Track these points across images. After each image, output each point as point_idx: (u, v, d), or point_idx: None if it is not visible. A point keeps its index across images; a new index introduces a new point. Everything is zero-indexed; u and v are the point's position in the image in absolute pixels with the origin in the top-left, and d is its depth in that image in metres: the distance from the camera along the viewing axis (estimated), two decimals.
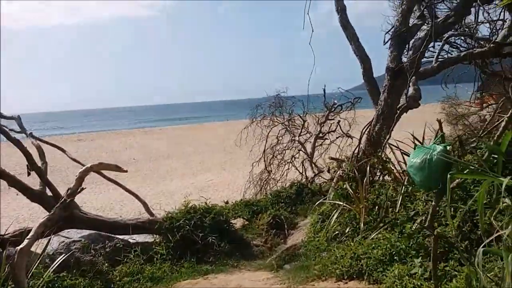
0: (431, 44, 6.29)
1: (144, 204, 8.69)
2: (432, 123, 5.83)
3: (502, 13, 7.91)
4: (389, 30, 6.42)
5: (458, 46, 10.64)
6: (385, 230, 4.72)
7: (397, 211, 4.77)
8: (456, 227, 3.61)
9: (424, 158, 3.12)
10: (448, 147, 3.19)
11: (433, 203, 3.30)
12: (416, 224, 4.19)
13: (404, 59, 6.32)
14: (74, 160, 8.34)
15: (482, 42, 10.08)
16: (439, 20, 5.65)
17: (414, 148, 3.52)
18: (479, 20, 9.04)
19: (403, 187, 4.92)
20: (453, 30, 6.69)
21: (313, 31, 5.75)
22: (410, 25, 6.01)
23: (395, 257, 4.10)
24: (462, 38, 10.49)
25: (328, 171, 8.95)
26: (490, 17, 9.33)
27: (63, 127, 79.90)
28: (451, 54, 8.20)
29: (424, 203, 4.43)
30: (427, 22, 6.39)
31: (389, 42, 6.14)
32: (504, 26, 7.51)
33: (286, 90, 13.90)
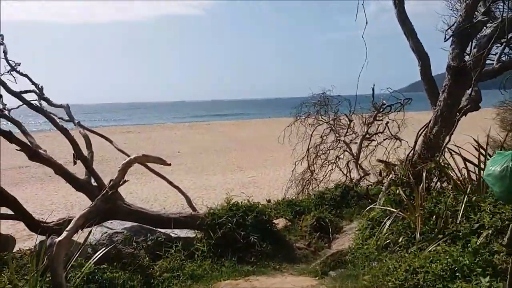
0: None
1: (187, 198, 8.64)
2: (484, 129, 5.35)
3: None
4: (451, 26, 5.96)
5: None
6: (445, 242, 4.31)
7: (458, 222, 4.36)
8: None
9: (506, 166, 2.74)
10: None
11: None
12: (482, 238, 3.79)
13: (466, 58, 5.88)
14: (120, 150, 8.38)
15: None
16: (509, 16, 5.13)
17: (491, 155, 3.12)
18: None
19: (465, 196, 4.51)
20: None
21: (367, 23, 5.40)
22: (474, 21, 5.51)
23: (457, 274, 3.70)
24: None
25: (380, 174, 8.51)
26: None
27: (112, 119, 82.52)
28: (510, 57, 7.60)
29: (491, 216, 4.00)
30: (491, 20, 5.88)
31: (451, 39, 5.67)
32: None
33: (332, 89, 13.50)
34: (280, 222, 7.54)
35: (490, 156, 5.21)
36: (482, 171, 4.74)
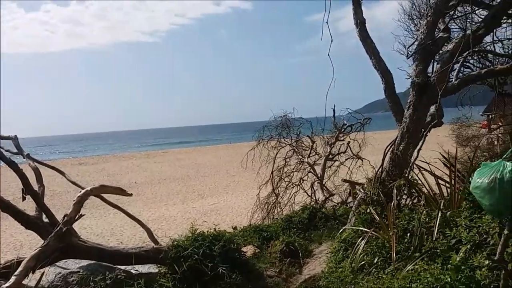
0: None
1: (148, 231, 8.14)
2: (442, 144, 5.36)
3: None
4: (412, 44, 6.03)
5: (471, 66, 10.32)
6: (422, 260, 4.17)
7: (434, 239, 4.24)
8: None
9: (494, 178, 2.63)
10: None
11: (505, 231, 2.78)
12: (461, 254, 3.66)
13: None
14: (74, 183, 7.83)
15: (497, 61, 9.77)
16: (468, 32, 5.24)
17: (477, 167, 3.02)
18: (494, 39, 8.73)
19: (439, 211, 4.41)
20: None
21: (332, 40, 5.37)
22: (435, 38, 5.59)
23: None
24: (476, 58, 10.16)
25: (350, 194, 8.41)
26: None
27: (62, 151, 79.55)
28: (464, 74, 7.82)
29: (468, 230, 3.90)
30: (451, 37, 6.01)
31: (414, 56, 5.72)
32: None
33: (294, 111, 13.52)
34: (249, 250, 7.23)
35: (460, 172, 5.22)
36: (453, 187, 4.70)
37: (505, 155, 2.83)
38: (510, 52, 8.46)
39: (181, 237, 6.31)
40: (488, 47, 8.32)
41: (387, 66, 6.10)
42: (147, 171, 35.27)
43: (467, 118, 17.81)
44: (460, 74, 7.60)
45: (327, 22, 5.25)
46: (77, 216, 4.85)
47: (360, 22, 6.09)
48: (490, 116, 20.73)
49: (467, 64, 9.76)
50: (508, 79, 9.55)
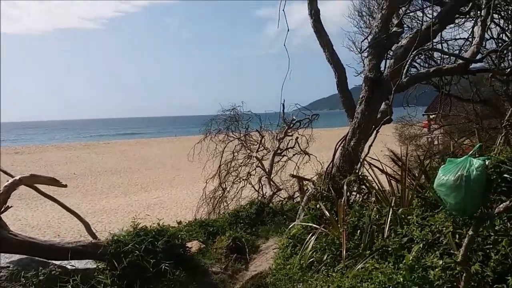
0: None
1: (85, 224, 7.62)
2: (385, 142, 5.36)
3: (473, 30, 7.80)
4: (365, 38, 5.97)
5: (417, 65, 10.58)
6: (373, 259, 4.09)
7: (385, 237, 4.17)
8: (496, 264, 3.01)
9: (460, 175, 2.51)
10: (487, 161, 2.59)
11: (469, 232, 2.69)
12: (414, 253, 3.59)
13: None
14: (4, 172, 7.18)
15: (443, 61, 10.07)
16: (422, 27, 5.24)
17: (443, 162, 2.90)
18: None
19: (391, 208, 4.35)
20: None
21: (288, 30, 5.24)
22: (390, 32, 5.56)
23: None
24: (422, 57, 10.42)
25: (300, 189, 8.31)
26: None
27: None
28: (411, 74, 7.94)
29: (420, 229, 3.85)
30: (404, 31, 6.01)
31: (368, 50, 5.65)
32: (473, 43, 7.33)
33: (243, 104, 13.32)
34: (194, 245, 6.93)
35: (409, 169, 5.20)
36: (404, 184, 4.66)
37: (471, 151, 2.75)
38: (456, 52, 8.70)
39: (122, 231, 5.94)
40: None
41: (340, 59, 6.01)
42: (87, 162, 33.85)
43: (410, 117, 18.47)
44: (409, 73, 7.70)
45: (283, 10, 5.07)
46: (3, 208, 4.36)
47: (314, 12, 5.95)
48: (431, 116, 21.64)
49: (414, 63, 9.97)
50: (453, 80, 9.83)
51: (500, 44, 7.86)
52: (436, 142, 18.32)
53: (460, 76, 9.97)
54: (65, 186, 4.87)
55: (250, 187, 12.65)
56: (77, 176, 25.63)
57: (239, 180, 12.73)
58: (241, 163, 12.84)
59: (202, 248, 7.07)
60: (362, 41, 5.88)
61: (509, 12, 7.81)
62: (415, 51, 4.70)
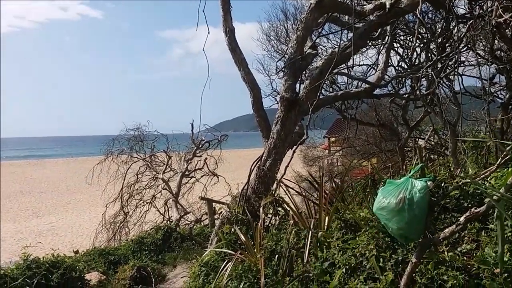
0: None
1: None
2: (291, 164, 5.32)
3: (379, 56, 8.23)
4: (280, 59, 5.92)
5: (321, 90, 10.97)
6: (294, 285, 3.87)
7: (306, 261, 3.99)
8: None
9: (402, 197, 2.37)
10: (429, 183, 2.48)
11: (413, 258, 2.54)
12: (337, 279, 3.44)
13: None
14: None
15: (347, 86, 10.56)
16: (337, 50, 5.30)
17: (383, 184, 2.74)
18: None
19: (310, 231, 4.20)
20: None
21: (209, 32, 5.06)
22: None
23: None
24: (327, 82, 10.83)
25: (214, 212, 7.93)
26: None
27: None
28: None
29: (341, 252, 3.73)
30: (318, 54, 6.09)
31: (283, 70, 5.58)
32: (378, 69, 7.71)
33: (148, 124, 12.74)
34: (93, 277, 6.21)
35: (326, 192, 5.14)
36: (322, 206, 4.56)
37: (411, 172, 2.65)
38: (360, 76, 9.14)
39: (10, 264, 5.17)
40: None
41: (255, 79, 5.88)
42: None
43: (314, 140, 19.15)
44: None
45: (203, 11, 4.89)
46: None
47: (229, 30, 5.79)
48: (330, 139, 22.73)
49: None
50: (354, 104, 10.29)
51: (399, 71, 8.38)
52: (336, 163, 19.18)
53: (362, 101, 10.50)
54: None
55: (154, 210, 12.00)
56: None
57: (143, 204, 12.02)
58: (146, 185, 12.17)
59: (103, 280, 6.37)
60: (278, 61, 5.82)
61: (407, 42, 8.38)
62: (330, 73, 4.69)
